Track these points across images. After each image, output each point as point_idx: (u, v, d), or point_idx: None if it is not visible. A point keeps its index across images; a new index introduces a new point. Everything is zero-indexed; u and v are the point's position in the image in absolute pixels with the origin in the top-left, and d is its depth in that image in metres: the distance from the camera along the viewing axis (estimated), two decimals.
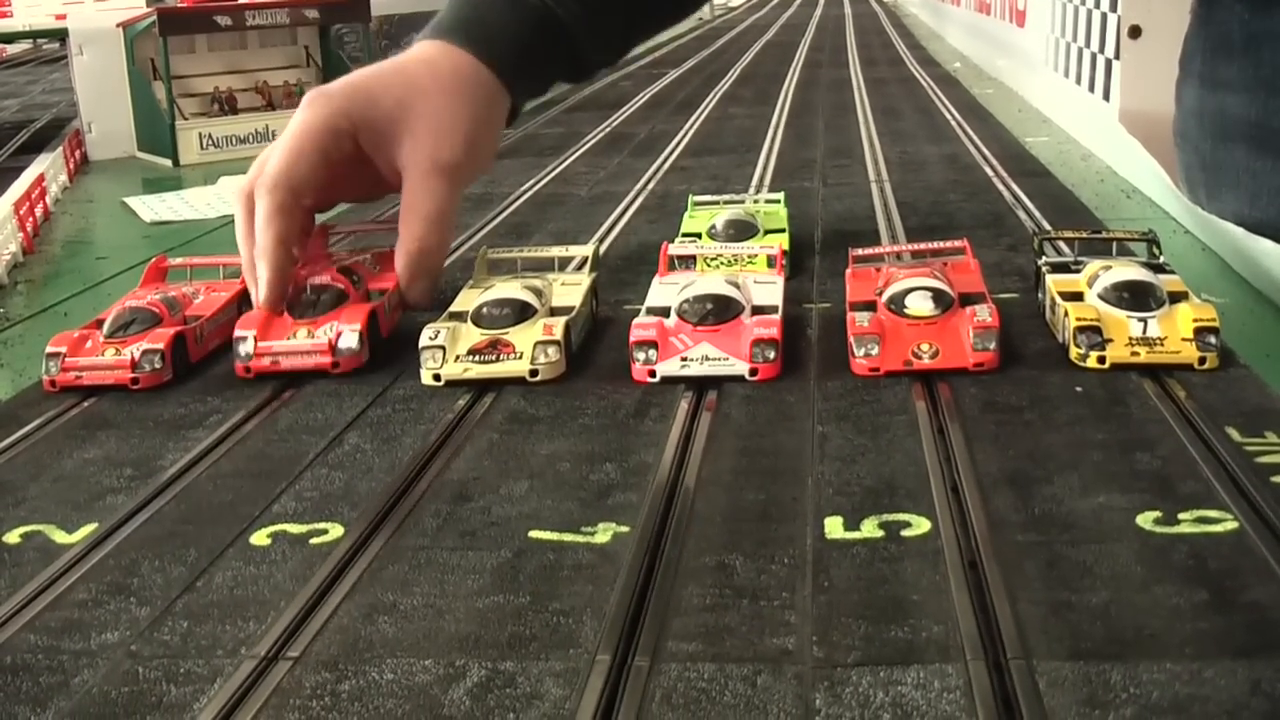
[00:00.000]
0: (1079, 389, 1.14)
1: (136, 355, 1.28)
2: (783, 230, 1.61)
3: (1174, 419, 1.07)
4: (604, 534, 0.92)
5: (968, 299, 1.27)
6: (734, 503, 0.96)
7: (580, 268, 1.51)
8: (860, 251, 1.47)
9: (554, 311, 1.32)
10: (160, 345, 1.29)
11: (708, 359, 1.22)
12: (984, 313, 1.22)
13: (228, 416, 1.19)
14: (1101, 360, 1.18)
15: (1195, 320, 1.19)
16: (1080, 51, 2.57)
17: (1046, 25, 2.92)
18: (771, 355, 1.21)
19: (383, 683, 0.74)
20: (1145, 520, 0.89)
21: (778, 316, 1.26)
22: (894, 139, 2.63)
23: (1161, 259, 1.39)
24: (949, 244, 1.46)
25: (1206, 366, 1.17)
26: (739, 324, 1.25)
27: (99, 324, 1.35)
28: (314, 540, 0.93)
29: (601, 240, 1.82)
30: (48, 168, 2.50)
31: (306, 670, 0.76)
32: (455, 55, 1.33)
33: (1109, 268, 1.28)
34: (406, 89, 1.31)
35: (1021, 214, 1.88)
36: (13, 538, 0.97)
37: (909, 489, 0.96)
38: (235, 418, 1.19)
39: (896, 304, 1.25)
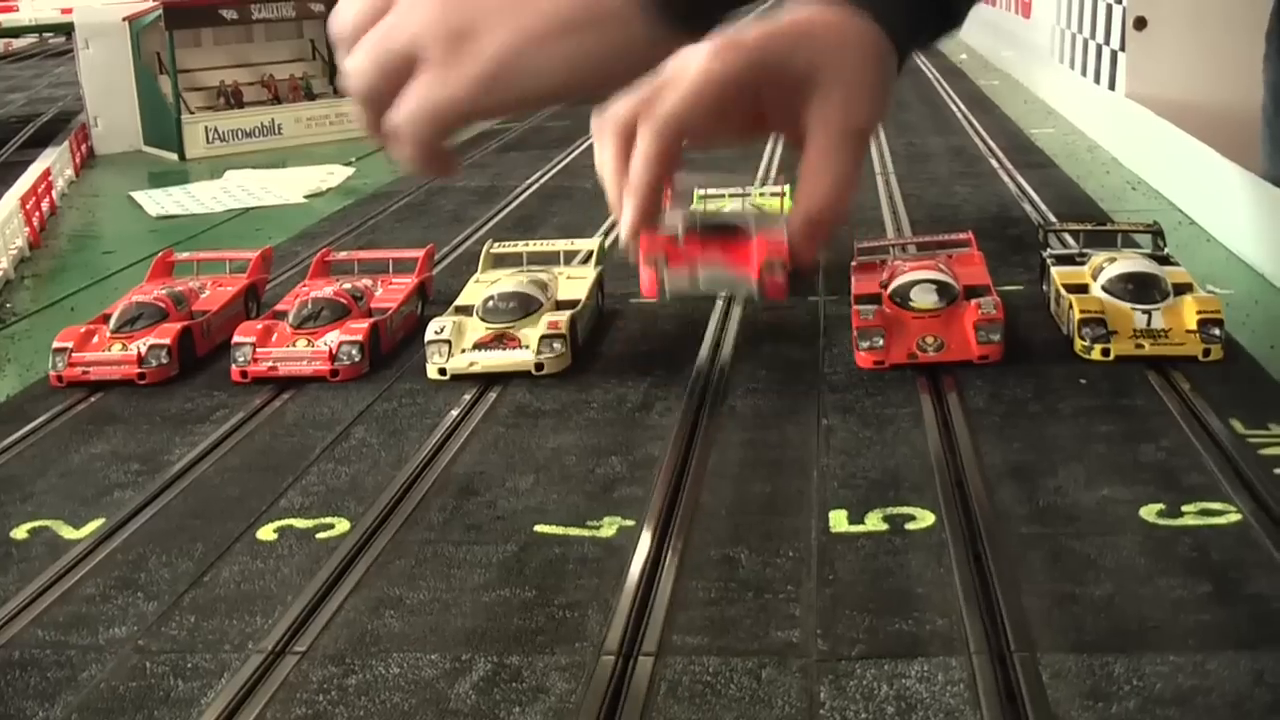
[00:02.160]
0: (1083, 381, 1.14)
1: (143, 350, 1.28)
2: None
3: (1178, 411, 1.07)
4: (609, 528, 0.92)
5: (973, 291, 1.27)
6: (739, 495, 0.96)
7: (585, 261, 1.52)
8: (865, 244, 1.47)
9: (560, 305, 1.32)
10: (167, 340, 1.29)
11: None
12: (989, 305, 1.22)
13: (234, 411, 1.20)
14: (1106, 352, 1.18)
15: (1200, 312, 1.19)
16: (1086, 43, 2.57)
17: (1052, 17, 2.92)
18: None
19: (389, 677, 0.75)
20: (1149, 513, 0.89)
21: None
22: (899, 130, 2.62)
23: (1166, 250, 1.39)
24: (954, 236, 1.46)
25: (1211, 358, 1.17)
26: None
27: (105, 319, 1.35)
28: (320, 535, 0.94)
29: (607, 234, 1.82)
30: (54, 162, 2.50)
31: (313, 664, 0.76)
32: (852, 15, 1.29)
33: (1114, 260, 1.28)
34: (816, 49, 1.23)
35: (1027, 206, 1.88)
36: (20, 533, 0.97)
37: (913, 482, 0.97)
38: (241, 413, 1.19)
39: (901, 296, 1.25)
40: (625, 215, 1.23)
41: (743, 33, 1.27)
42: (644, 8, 1.24)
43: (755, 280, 1.15)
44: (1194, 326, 1.18)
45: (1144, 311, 1.21)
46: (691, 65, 1.29)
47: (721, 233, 1.20)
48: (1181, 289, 1.24)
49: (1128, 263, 1.27)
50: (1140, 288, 1.23)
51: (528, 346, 1.24)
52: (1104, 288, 1.25)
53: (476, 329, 1.28)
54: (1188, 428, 1.03)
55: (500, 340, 1.26)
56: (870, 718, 0.69)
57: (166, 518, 0.99)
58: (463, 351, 1.25)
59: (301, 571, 0.88)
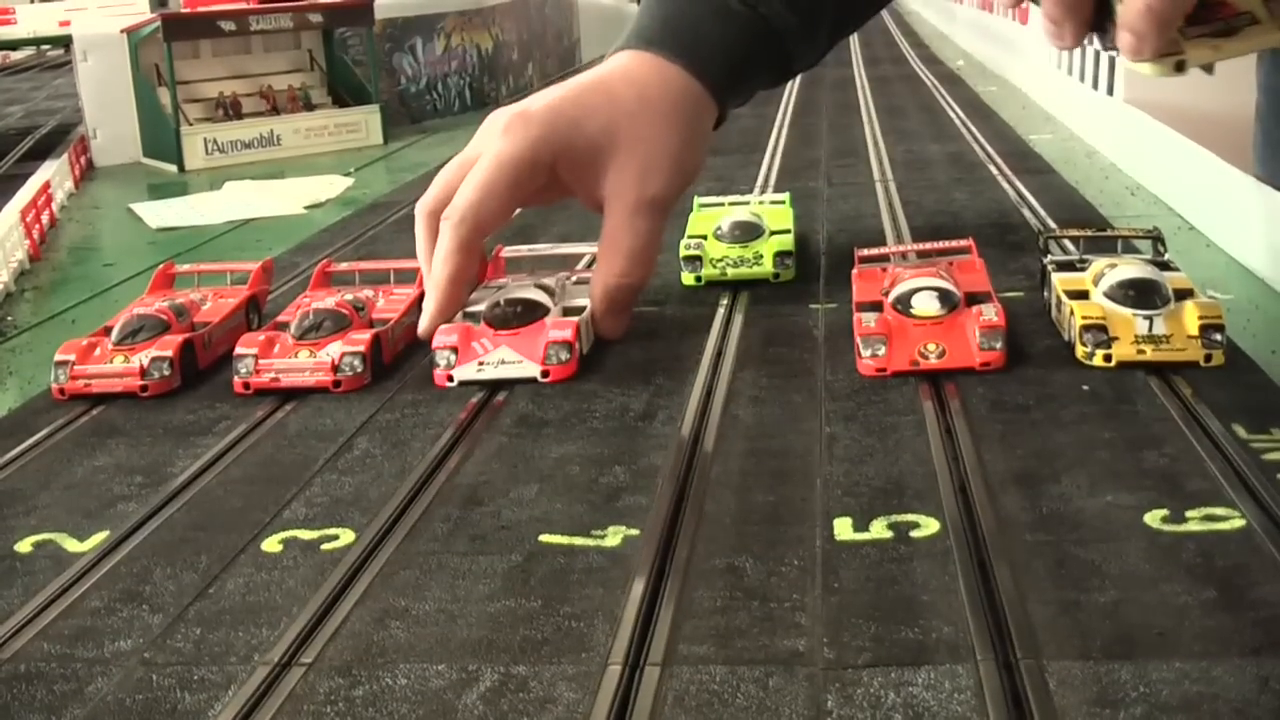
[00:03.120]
0: (1086, 387, 1.15)
1: (145, 363, 1.28)
2: (788, 231, 1.61)
3: (1180, 417, 1.07)
4: (614, 537, 0.92)
5: (974, 298, 1.27)
6: (743, 504, 0.96)
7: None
8: (866, 251, 1.48)
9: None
10: (169, 352, 1.29)
11: (504, 362, 1.25)
12: (990, 312, 1.22)
13: (237, 423, 1.20)
14: (1108, 359, 1.19)
15: (1201, 317, 1.19)
16: (1084, 48, 2.58)
17: None
18: (565, 356, 1.24)
19: (396, 688, 0.75)
20: (1153, 519, 0.89)
21: (577, 319, 1.29)
22: (898, 138, 2.63)
23: (1166, 256, 1.39)
24: (954, 243, 1.46)
25: (1213, 364, 1.18)
26: (540, 327, 1.28)
27: (107, 331, 1.35)
28: (325, 546, 0.94)
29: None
30: (53, 174, 2.50)
31: (320, 676, 0.76)
32: (663, 69, 1.26)
33: (1114, 265, 1.29)
34: (612, 113, 1.25)
35: (1026, 212, 1.88)
36: (24, 546, 0.97)
37: (917, 489, 0.97)
38: (244, 424, 1.19)
39: (903, 304, 1.25)
40: (425, 308, 1.26)
41: (534, 102, 1.28)
42: (715, 102, 1.32)
43: (540, 367, 1.23)
44: (1195, 332, 1.19)
45: (1145, 317, 1.21)
46: (484, 146, 1.29)
47: (514, 321, 1.27)
48: (1183, 294, 1.24)
49: (1129, 269, 1.27)
50: (1141, 293, 1.23)
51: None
52: (1105, 294, 1.25)
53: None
54: (1190, 433, 1.03)
55: None
56: None
57: (170, 530, 0.99)
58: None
59: (307, 583, 0.88)
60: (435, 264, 1.26)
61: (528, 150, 1.24)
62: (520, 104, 1.27)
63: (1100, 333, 1.20)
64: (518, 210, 1.32)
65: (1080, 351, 1.20)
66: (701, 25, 1.29)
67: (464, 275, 1.28)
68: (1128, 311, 1.22)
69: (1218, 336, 1.19)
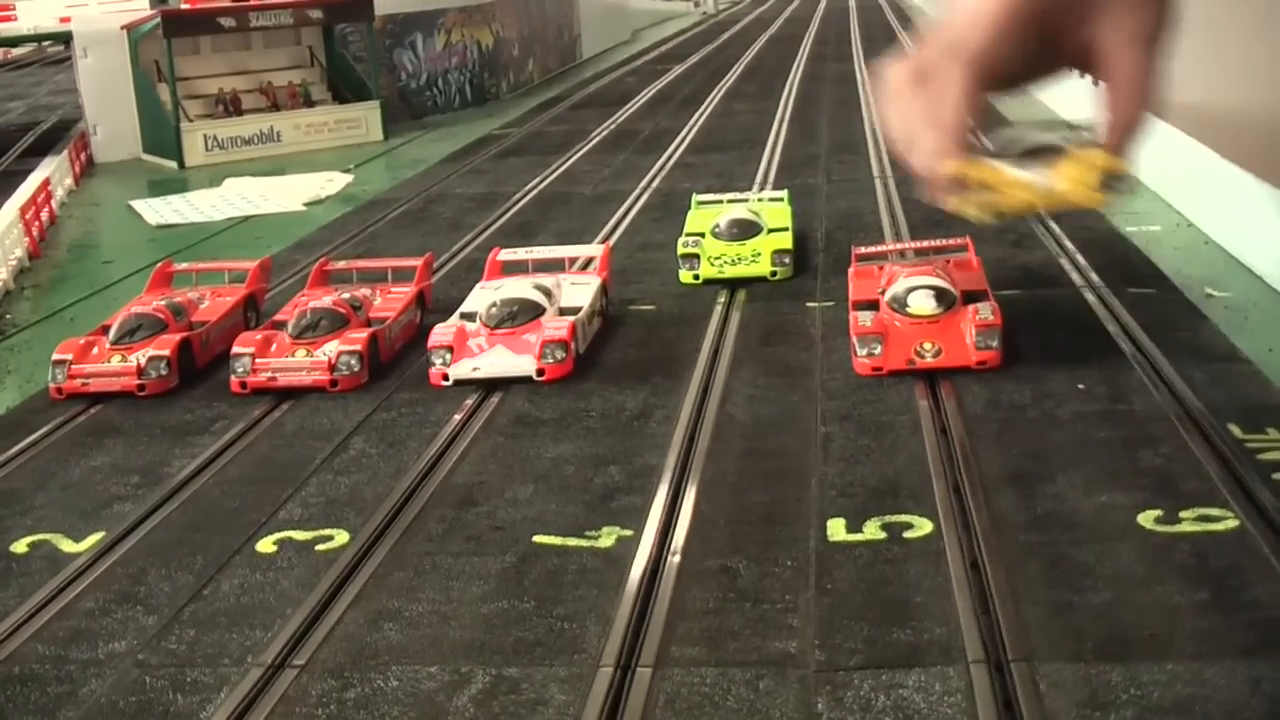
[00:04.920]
0: (1081, 386, 1.14)
1: (143, 362, 1.28)
2: (786, 229, 1.61)
3: (1176, 416, 1.07)
4: (608, 538, 0.92)
5: (970, 297, 1.27)
6: (737, 505, 0.96)
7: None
8: (863, 249, 1.47)
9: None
10: (166, 352, 1.29)
11: (498, 362, 1.25)
12: (986, 311, 1.22)
13: (234, 422, 1.20)
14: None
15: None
16: None
17: None
18: (561, 355, 1.25)
19: (388, 690, 0.75)
20: (1147, 519, 0.89)
21: (573, 318, 1.29)
22: None
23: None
24: (952, 241, 1.46)
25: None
26: (536, 326, 1.28)
27: (105, 330, 1.35)
28: (320, 547, 0.94)
29: (604, 240, 1.82)
30: (53, 171, 2.50)
31: (312, 678, 0.76)
32: None
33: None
34: None
35: None
36: (20, 547, 0.97)
37: (912, 489, 0.97)
38: (241, 424, 1.19)
39: (899, 303, 1.25)
40: (924, 145, 1.19)
41: None
42: None
43: (536, 365, 1.24)
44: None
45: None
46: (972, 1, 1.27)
47: (509, 322, 1.28)
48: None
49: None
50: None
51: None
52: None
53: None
54: (1186, 433, 1.03)
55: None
56: None
57: (166, 530, 0.99)
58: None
59: (301, 584, 0.88)
60: (938, 99, 1.21)
61: None
62: None
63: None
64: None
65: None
66: None
67: (966, 119, 1.23)
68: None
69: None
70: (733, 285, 1.49)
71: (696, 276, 1.47)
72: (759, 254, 1.50)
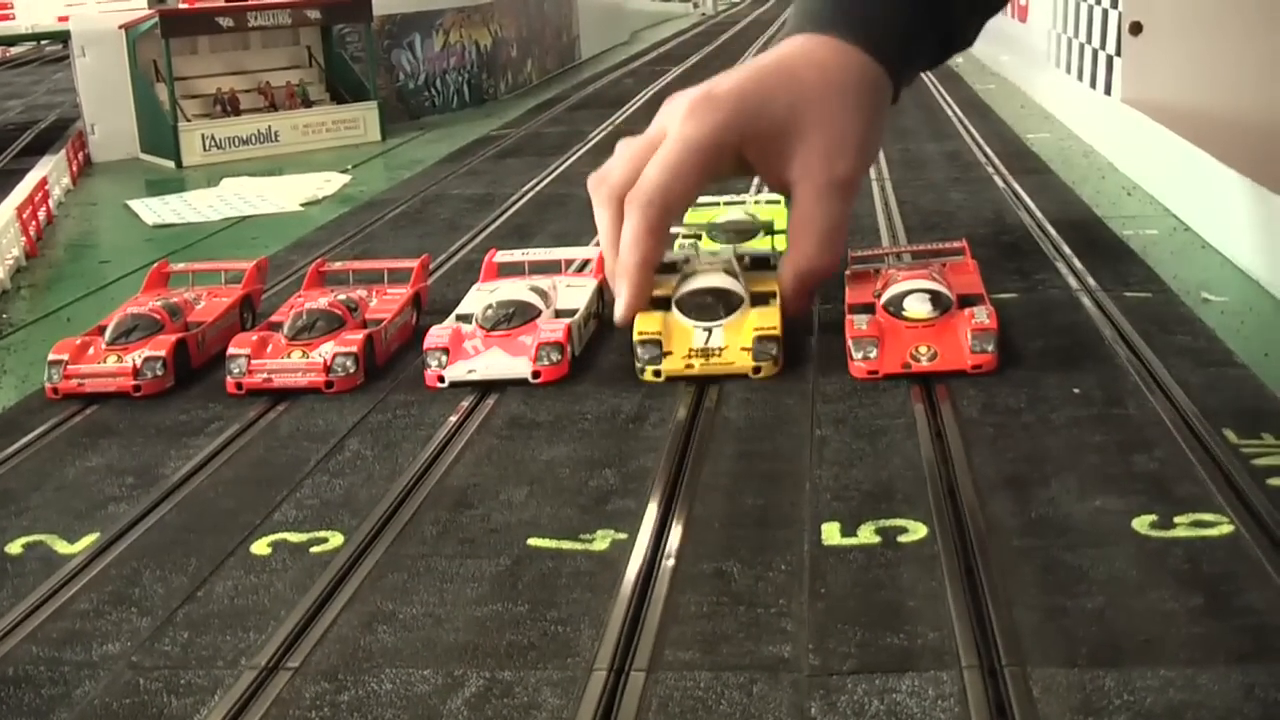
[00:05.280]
0: (1077, 390, 1.15)
1: (139, 362, 1.28)
2: (783, 231, 1.60)
3: (1171, 420, 1.07)
4: (602, 541, 0.92)
5: (966, 300, 1.27)
6: (732, 508, 0.96)
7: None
8: (859, 252, 1.47)
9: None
10: (162, 352, 1.29)
11: (494, 364, 1.25)
12: (982, 314, 1.22)
13: (229, 424, 1.20)
14: (657, 374, 1.21)
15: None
16: (1082, 47, 2.57)
17: (1048, 21, 2.92)
18: (557, 358, 1.24)
19: (382, 693, 0.75)
20: (1141, 524, 0.89)
21: (569, 320, 1.29)
22: (895, 136, 2.62)
23: (773, 254, 1.38)
24: (948, 244, 1.46)
25: (761, 375, 1.20)
26: (532, 328, 1.28)
27: (101, 330, 1.35)
28: (314, 549, 0.94)
29: None
30: (51, 170, 2.50)
31: (306, 681, 0.77)
32: (842, 51, 1.25)
33: (695, 273, 1.29)
34: (796, 95, 1.23)
35: (1022, 212, 1.88)
36: (14, 548, 0.97)
37: (906, 493, 0.97)
38: (236, 425, 1.19)
39: (895, 306, 1.25)
40: (620, 296, 1.24)
41: (719, 84, 1.26)
42: (892, 80, 1.28)
43: (532, 368, 1.23)
44: (749, 344, 1.21)
45: (704, 329, 1.24)
46: (671, 128, 1.27)
47: (505, 323, 1.28)
48: (763, 298, 1.26)
49: (706, 277, 1.28)
50: (706, 305, 1.25)
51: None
52: (676, 305, 1.26)
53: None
54: (1180, 438, 1.03)
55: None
56: None
57: (161, 532, 0.99)
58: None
59: (295, 586, 0.88)
60: (624, 249, 1.23)
61: (715, 133, 1.21)
62: (704, 86, 1.24)
63: (654, 347, 1.22)
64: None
65: (637, 366, 1.23)
66: (870, 6, 1.27)
67: (654, 259, 1.25)
68: (690, 324, 1.24)
69: (772, 349, 1.21)
70: None
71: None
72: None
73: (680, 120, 1.21)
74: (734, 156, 1.25)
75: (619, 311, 1.24)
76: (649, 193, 1.22)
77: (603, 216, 1.26)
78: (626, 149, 1.25)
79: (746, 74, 1.26)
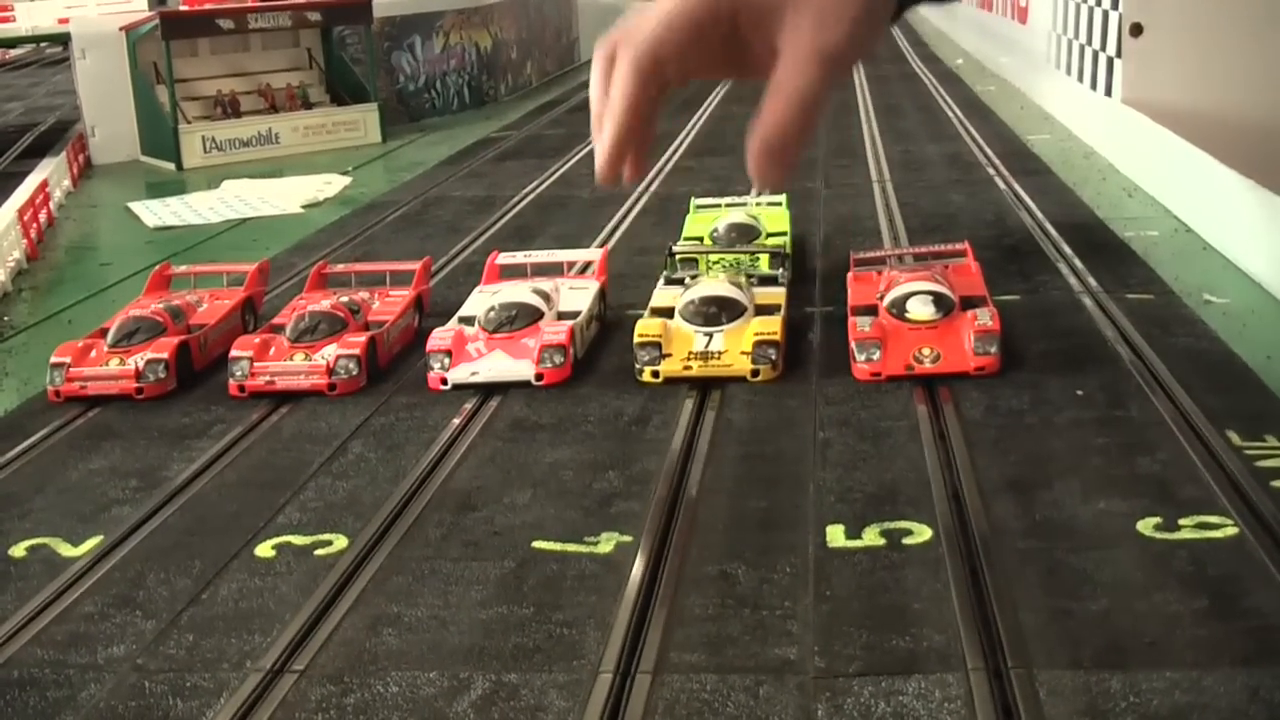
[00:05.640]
0: (1080, 392, 1.15)
1: (141, 365, 1.28)
2: (784, 233, 1.61)
3: (1174, 422, 1.07)
4: (607, 543, 0.92)
5: (969, 302, 1.27)
6: (736, 510, 0.96)
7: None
8: (861, 254, 1.47)
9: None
10: (164, 355, 1.29)
11: (497, 366, 1.25)
12: (985, 316, 1.22)
13: (232, 426, 1.20)
14: (655, 375, 1.22)
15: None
16: (1082, 49, 2.57)
17: (1049, 22, 2.92)
18: (560, 360, 1.25)
19: (387, 695, 0.75)
20: (1146, 526, 0.89)
21: (572, 323, 1.29)
22: (896, 138, 2.62)
23: (780, 274, 1.42)
24: (950, 246, 1.46)
25: (760, 379, 1.21)
26: (535, 331, 1.28)
27: (103, 333, 1.35)
28: (318, 551, 0.94)
29: (603, 244, 1.82)
30: (51, 173, 2.50)
31: (311, 683, 0.76)
32: None
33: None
34: None
35: (1023, 214, 1.88)
36: (19, 551, 0.97)
37: (910, 496, 0.97)
38: (239, 428, 1.19)
39: (897, 308, 1.25)
40: (602, 138, 1.23)
41: None
42: None
43: (534, 369, 1.23)
44: (749, 348, 1.22)
45: (705, 334, 1.25)
46: None
47: (508, 326, 1.28)
48: (766, 310, 1.28)
49: (708, 286, 1.31)
50: (709, 312, 1.27)
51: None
52: (679, 312, 1.28)
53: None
54: (1184, 440, 1.03)
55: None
56: None
57: (164, 535, 0.99)
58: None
59: (300, 589, 0.88)
60: (612, 94, 1.23)
61: None
62: None
63: (653, 349, 1.23)
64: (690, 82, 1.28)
65: (637, 368, 1.24)
66: None
67: (639, 102, 1.24)
68: (691, 329, 1.26)
69: (771, 352, 1.22)
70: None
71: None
72: (757, 260, 1.47)
73: None
74: (727, 23, 1.25)
75: (599, 157, 1.23)
76: (639, 37, 1.22)
77: (595, 69, 1.25)
78: (626, 19, 1.26)
79: None
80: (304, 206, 2.32)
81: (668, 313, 1.29)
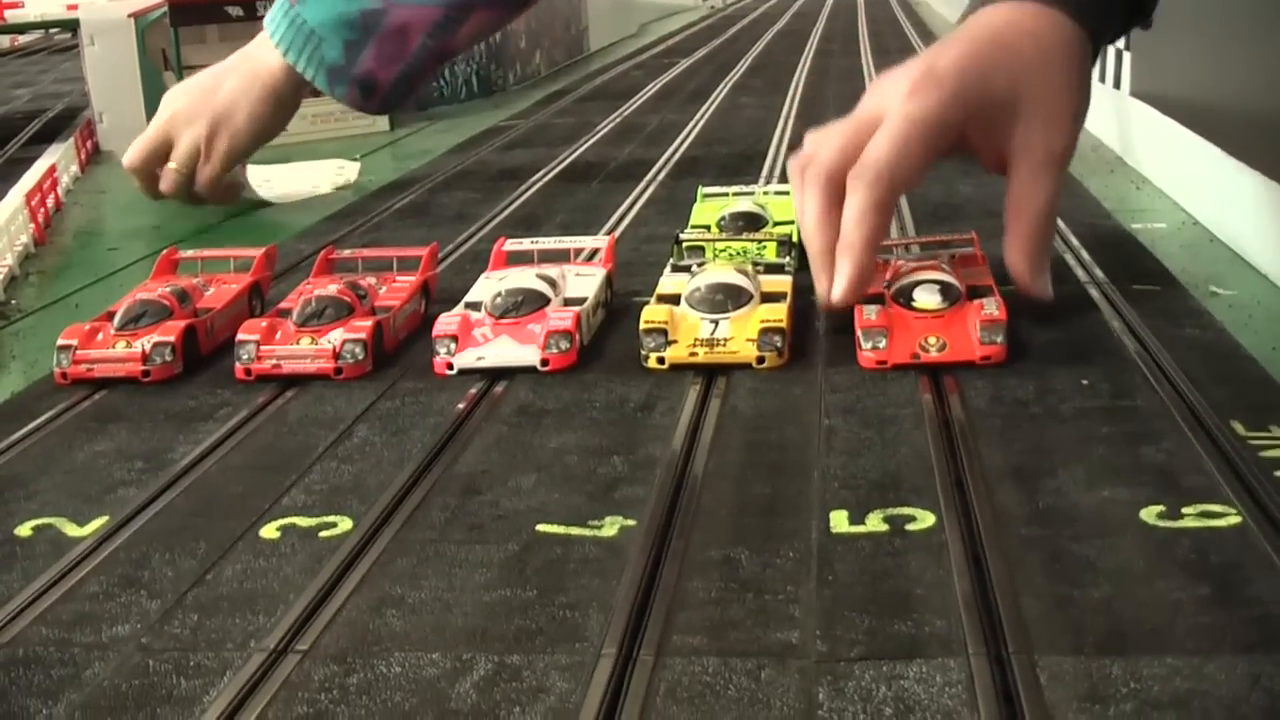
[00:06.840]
0: (1085, 382, 1.15)
1: (147, 348, 1.29)
2: (792, 222, 1.61)
3: (1179, 412, 1.07)
4: (611, 527, 0.92)
5: (976, 291, 1.27)
6: (740, 496, 0.97)
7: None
8: None
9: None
10: (171, 338, 1.29)
11: (503, 352, 1.25)
12: (991, 306, 1.22)
13: (238, 409, 1.20)
14: (661, 361, 1.22)
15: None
16: None
17: None
18: (566, 346, 1.25)
19: (390, 676, 0.75)
20: (1149, 514, 0.89)
21: (578, 309, 1.29)
22: None
23: (787, 262, 1.42)
24: (957, 236, 1.46)
25: (765, 366, 1.21)
26: (541, 316, 1.28)
27: (110, 316, 1.35)
28: (323, 533, 0.94)
29: (610, 232, 1.82)
30: (59, 158, 2.51)
31: (315, 663, 0.77)
32: (1048, 18, 1.22)
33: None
34: (1016, 68, 1.20)
35: None
36: (24, 530, 0.97)
37: (914, 483, 0.97)
38: (245, 411, 1.20)
39: (904, 297, 1.25)
40: (842, 272, 1.20)
41: (937, 61, 1.23)
42: (1092, 46, 1.26)
43: (540, 355, 1.24)
44: (754, 335, 1.22)
45: (711, 321, 1.25)
46: (891, 107, 1.24)
47: (514, 311, 1.28)
48: (773, 298, 1.28)
49: (716, 273, 1.30)
50: (716, 299, 1.27)
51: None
52: (686, 299, 1.28)
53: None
54: (1189, 429, 1.03)
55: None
56: (868, 719, 0.69)
57: (170, 516, 0.99)
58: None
59: (304, 570, 0.89)
60: (848, 225, 1.19)
61: (942, 110, 1.18)
62: (920, 64, 1.21)
63: (659, 336, 1.23)
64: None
65: (642, 355, 1.24)
66: None
67: (879, 237, 1.22)
68: (696, 315, 1.26)
69: (777, 340, 1.22)
70: None
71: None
72: (764, 250, 1.48)
73: (904, 98, 1.19)
74: (957, 133, 1.23)
75: (840, 290, 1.21)
76: (877, 168, 1.18)
77: (812, 196, 1.23)
78: (832, 133, 1.23)
79: (961, 49, 1.23)
80: (336, 188, 2.33)
81: (674, 300, 1.29)
